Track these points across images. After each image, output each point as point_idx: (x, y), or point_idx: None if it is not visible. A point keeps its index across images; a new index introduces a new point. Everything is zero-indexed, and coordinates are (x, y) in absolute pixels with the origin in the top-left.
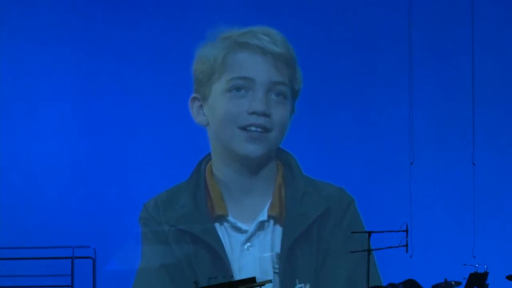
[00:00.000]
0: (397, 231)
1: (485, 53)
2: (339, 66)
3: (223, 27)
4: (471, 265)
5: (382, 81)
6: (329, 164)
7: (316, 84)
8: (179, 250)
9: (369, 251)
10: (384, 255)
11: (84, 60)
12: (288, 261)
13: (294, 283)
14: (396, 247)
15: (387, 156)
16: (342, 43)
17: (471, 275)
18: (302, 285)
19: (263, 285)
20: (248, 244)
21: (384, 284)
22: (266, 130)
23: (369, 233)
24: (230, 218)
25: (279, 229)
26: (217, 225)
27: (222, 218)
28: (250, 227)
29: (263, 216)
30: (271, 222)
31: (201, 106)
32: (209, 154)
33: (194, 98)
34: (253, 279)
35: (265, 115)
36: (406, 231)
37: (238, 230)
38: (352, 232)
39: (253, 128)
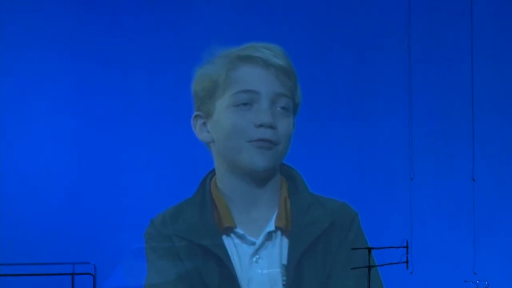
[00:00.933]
0: (397, 247)
1: (485, 67)
2: (335, 80)
3: (219, 47)
4: (472, 282)
5: (381, 95)
6: (327, 181)
7: (312, 98)
8: (188, 262)
9: (369, 267)
10: (384, 272)
11: (85, 71)
12: (295, 274)
13: None
14: (397, 263)
15: (386, 172)
16: (337, 51)
17: None
18: None
19: None
20: (257, 256)
21: None
22: (273, 143)
23: (369, 249)
24: (238, 229)
25: (286, 241)
26: (224, 237)
27: (229, 230)
28: (257, 239)
29: (271, 226)
30: (279, 233)
31: (204, 123)
32: (213, 170)
33: (197, 116)
34: None
35: (272, 127)
36: (407, 247)
37: (246, 241)
38: (353, 249)
39: (261, 143)
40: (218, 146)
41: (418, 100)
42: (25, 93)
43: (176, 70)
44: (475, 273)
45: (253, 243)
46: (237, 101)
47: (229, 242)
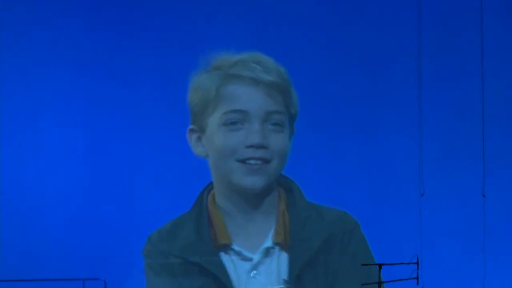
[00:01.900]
0: (407, 263)
1: (496, 83)
2: (343, 95)
3: (216, 53)
4: None
5: (390, 110)
6: (335, 196)
7: (319, 111)
8: (185, 280)
9: (379, 283)
10: (394, 287)
11: (91, 87)
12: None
13: None
14: (407, 279)
15: (396, 188)
16: (347, 67)
17: None
18: None
19: None
20: (255, 271)
21: None
22: (265, 161)
23: (380, 265)
24: (234, 246)
25: (284, 256)
26: (221, 254)
27: (226, 247)
28: (255, 254)
29: (268, 242)
30: (277, 248)
31: (199, 137)
32: (211, 183)
33: (192, 130)
34: None
35: (263, 147)
36: (417, 263)
37: (244, 258)
38: (363, 265)
39: (252, 162)
40: (211, 162)
41: (428, 116)
42: (33, 106)
43: (186, 81)
44: None
45: (251, 259)
46: (227, 121)
47: (227, 259)
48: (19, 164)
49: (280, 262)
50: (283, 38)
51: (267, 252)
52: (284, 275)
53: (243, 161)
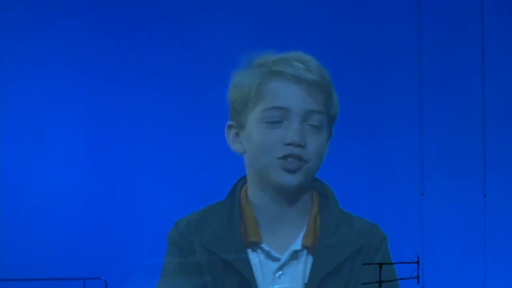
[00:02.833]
0: (408, 263)
1: (496, 83)
2: (345, 97)
3: (257, 52)
4: None
5: (391, 109)
6: (338, 196)
7: None
8: (208, 273)
9: (380, 282)
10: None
11: (91, 87)
12: None
13: None
14: (407, 278)
15: (397, 188)
16: (347, 66)
17: None
18: None
19: None
20: (280, 272)
21: None
22: (302, 160)
23: (380, 264)
24: (264, 245)
25: (311, 259)
26: (249, 251)
27: (255, 245)
28: (283, 255)
29: (297, 245)
30: (305, 252)
31: (237, 134)
32: (245, 177)
33: (230, 126)
34: None
35: (301, 146)
36: (417, 262)
37: (272, 258)
38: (363, 264)
39: (290, 159)
40: (248, 158)
41: (429, 115)
42: (33, 107)
43: (187, 81)
44: None
45: (278, 259)
46: (267, 118)
47: (254, 257)
48: (20, 164)
49: (307, 265)
50: (285, 38)
51: (295, 255)
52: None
53: (281, 158)
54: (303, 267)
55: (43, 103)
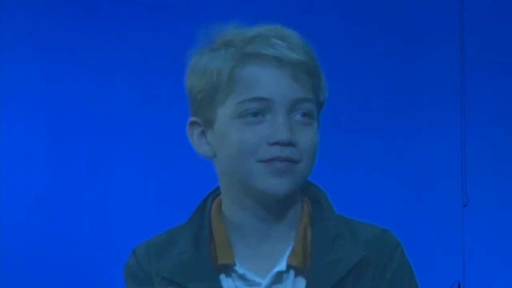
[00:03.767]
0: None
1: None
2: (373, 88)
3: (221, 26)
4: None
5: (428, 103)
6: (359, 207)
7: (340, 103)
8: None
9: None
10: None
11: (58, 71)
12: None
13: None
14: None
15: (435, 198)
16: (377, 52)
17: None
18: None
19: None
20: None
21: None
22: (294, 161)
23: None
24: (237, 267)
25: (301, 282)
26: (222, 277)
27: (228, 268)
28: (264, 279)
29: (281, 266)
30: (292, 273)
31: (203, 132)
32: (218, 188)
33: (193, 123)
34: None
35: (291, 144)
36: None
37: (249, 282)
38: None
39: (277, 163)
40: (222, 163)
41: (472, 110)
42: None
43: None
44: None
45: (258, 284)
46: (245, 112)
47: (229, 283)
48: None
49: None
50: (298, 12)
51: (280, 277)
52: None
53: (266, 161)
54: None
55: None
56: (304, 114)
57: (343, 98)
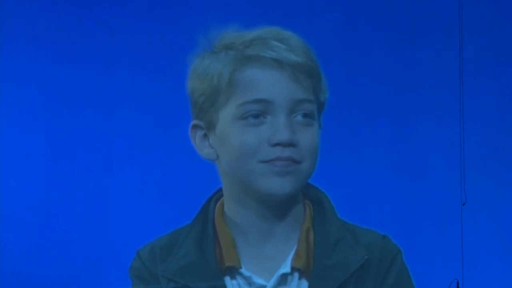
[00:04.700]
0: None
1: None
2: (372, 87)
3: (218, 28)
4: None
5: (426, 101)
6: (357, 206)
7: (338, 101)
8: None
9: None
10: None
11: (56, 69)
12: None
13: None
14: None
15: (433, 196)
16: (375, 48)
17: None
18: None
19: None
20: None
21: None
22: (295, 161)
23: None
24: (243, 270)
25: (305, 285)
26: (227, 279)
27: (233, 270)
28: (269, 281)
29: (286, 268)
30: (296, 275)
31: (205, 135)
32: (220, 189)
33: (195, 126)
34: None
35: (292, 144)
36: None
37: (254, 285)
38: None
39: (278, 164)
40: (224, 165)
41: (471, 108)
42: None
43: (174, 70)
44: None
45: (263, 286)
46: (246, 114)
47: (234, 286)
48: None
49: None
50: (296, 12)
51: (284, 279)
52: None
53: (267, 162)
54: None
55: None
56: (305, 115)
57: (342, 98)
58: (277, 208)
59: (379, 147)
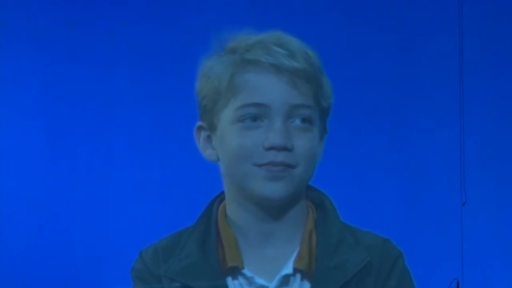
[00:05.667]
0: None
1: None
2: (371, 87)
3: (230, 32)
4: None
5: (426, 102)
6: (358, 206)
7: (338, 102)
8: None
9: None
10: None
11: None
12: None
13: None
14: None
15: (433, 196)
16: (375, 49)
17: None
18: None
19: None
20: None
21: None
22: (290, 166)
23: None
24: (245, 271)
25: (307, 286)
26: (229, 279)
27: (236, 271)
28: (271, 282)
29: (288, 269)
30: (298, 276)
31: (208, 137)
32: (223, 192)
33: (200, 127)
34: None
35: (286, 149)
36: None
37: (257, 286)
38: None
39: (272, 168)
40: (223, 167)
41: (471, 108)
42: None
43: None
44: None
45: (265, 287)
46: (243, 117)
47: (236, 286)
48: None
49: None
50: (299, 13)
51: (287, 280)
52: None
53: (261, 165)
54: None
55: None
56: (303, 120)
57: (341, 98)
58: (276, 211)
59: (379, 147)
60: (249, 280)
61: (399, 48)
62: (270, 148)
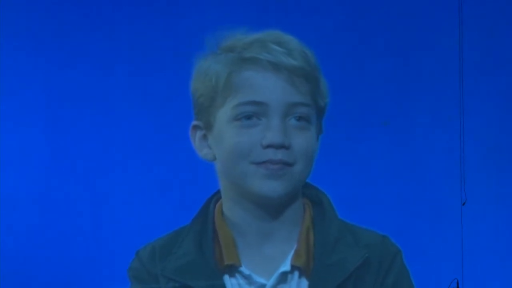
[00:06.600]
0: None
1: None
2: (370, 88)
3: (226, 31)
4: None
5: (426, 101)
6: (357, 206)
7: (337, 102)
8: None
9: None
10: None
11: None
12: None
13: None
14: None
15: (432, 196)
16: (374, 50)
17: None
18: None
19: None
20: None
21: None
22: (287, 164)
23: None
24: (242, 268)
25: (305, 283)
26: (226, 277)
27: (233, 269)
28: (269, 280)
29: (286, 266)
30: (296, 274)
31: (204, 136)
32: (219, 191)
33: (195, 127)
34: None
35: (284, 147)
36: None
37: (254, 283)
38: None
39: (270, 166)
40: (220, 166)
41: (471, 108)
42: None
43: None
44: None
45: (263, 286)
46: (240, 115)
47: (233, 284)
48: None
49: None
50: (297, 12)
51: (285, 277)
52: None
53: (259, 164)
54: None
55: None
56: (300, 118)
57: (340, 98)
58: (274, 209)
59: (379, 147)
60: (247, 278)
61: (399, 48)
62: (268, 146)
